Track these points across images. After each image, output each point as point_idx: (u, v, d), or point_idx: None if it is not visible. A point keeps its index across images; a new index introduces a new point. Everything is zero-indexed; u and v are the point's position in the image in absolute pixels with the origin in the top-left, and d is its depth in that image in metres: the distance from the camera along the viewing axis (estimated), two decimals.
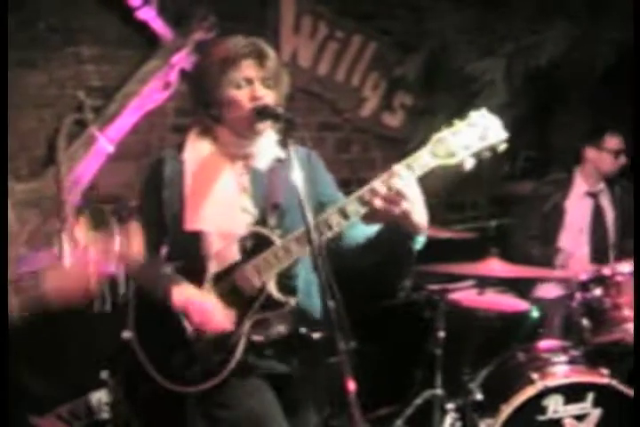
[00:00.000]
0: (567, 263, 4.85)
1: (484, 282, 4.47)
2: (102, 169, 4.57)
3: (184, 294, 2.73)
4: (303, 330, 2.77)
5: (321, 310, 2.53)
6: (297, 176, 2.48)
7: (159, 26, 4.63)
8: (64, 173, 4.42)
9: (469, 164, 2.58)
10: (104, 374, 4.05)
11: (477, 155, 2.58)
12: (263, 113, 2.69)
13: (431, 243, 4.54)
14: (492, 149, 2.59)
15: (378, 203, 2.53)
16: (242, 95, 2.71)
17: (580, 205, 5.06)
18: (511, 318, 4.52)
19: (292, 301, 2.72)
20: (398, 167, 2.56)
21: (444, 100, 5.47)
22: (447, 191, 5.76)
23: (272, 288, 2.71)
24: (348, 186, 5.84)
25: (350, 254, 2.83)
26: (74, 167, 4.46)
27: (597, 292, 4.19)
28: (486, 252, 4.26)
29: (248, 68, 2.72)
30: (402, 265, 4.25)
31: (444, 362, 4.34)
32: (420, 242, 2.68)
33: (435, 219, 5.26)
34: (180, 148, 2.87)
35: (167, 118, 4.82)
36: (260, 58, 2.73)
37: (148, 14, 4.58)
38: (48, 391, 4.16)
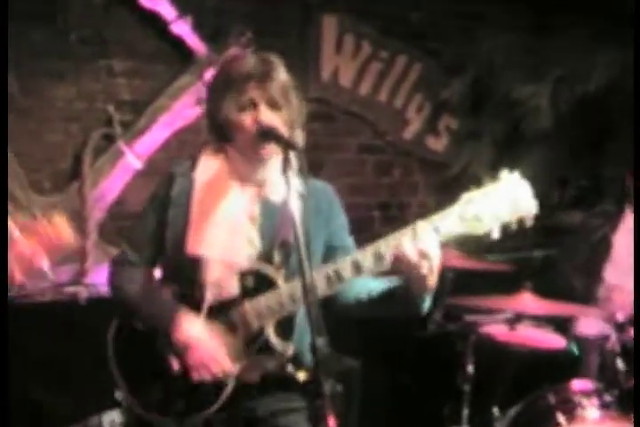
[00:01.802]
0: (610, 297, 4.63)
1: (519, 315, 4.28)
2: (129, 185, 4.48)
3: (192, 331, 2.58)
4: (290, 370, 2.61)
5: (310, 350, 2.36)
6: (303, 212, 2.34)
7: (193, 41, 4.55)
8: (88, 188, 4.35)
9: (494, 235, 2.40)
10: (118, 394, 3.96)
11: (504, 227, 2.40)
12: (266, 135, 2.54)
13: (465, 274, 4.46)
14: (521, 222, 2.41)
15: (398, 262, 2.38)
16: (246, 118, 2.58)
17: (629, 241, 4.83)
18: (545, 355, 4.30)
19: (290, 348, 2.58)
20: (423, 226, 2.39)
21: (489, 124, 5.31)
22: None
23: (270, 333, 2.56)
24: (387, 210, 5.79)
25: (352, 307, 2.69)
26: (99, 182, 4.38)
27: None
28: (520, 285, 4.08)
29: (252, 90, 2.58)
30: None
31: (472, 398, 4.16)
32: (425, 305, 2.53)
33: (478, 247, 5.13)
34: (192, 164, 2.73)
35: (199, 136, 4.71)
36: (266, 80, 2.59)
37: (183, 29, 4.50)
38: (60, 410, 4.08)
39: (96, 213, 4.35)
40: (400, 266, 2.39)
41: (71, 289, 4.25)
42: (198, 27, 4.56)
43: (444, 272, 4.40)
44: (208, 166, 2.70)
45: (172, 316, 2.60)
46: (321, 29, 5.11)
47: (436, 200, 5.65)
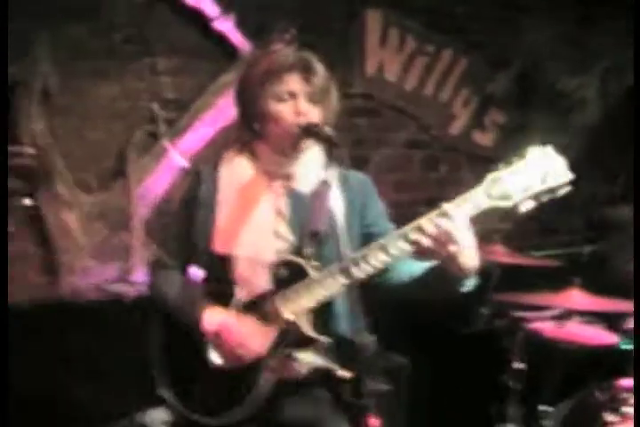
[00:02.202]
0: None
1: (568, 312, 4.21)
2: (174, 182, 4.47)
3: (217, 318, 2.59)
4: (330, 367, 2.57)
5: (352, 347, 2.34)
6: (336, 202, 2.32)
7: (237, 38, 4.54)
8: (133, 186, 4.36)
9: (526, 207, 2.41)
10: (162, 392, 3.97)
11: (536, 198, 2.41)
12: (308, 131, 2.53)
13: (512, 271, 4.40)
14: (553, 192, 2.41)
15: (424, 243, 2.39)
16: (285, 109, 2.57)
17: None
18: (595, 351, 4.22)
19: (324, 338, 2.54)
20: (448, 206, 2.42)
21: (536, 117, 5.24)
22: (541, 214, 5.51)
23: (303, 324, 2.53)
24: (434, 205, 5.69)
25: (395, 289, 2.67)
26: (144, 180, 4.39)
27: None
28: (569, 281, 4.02)
29: (292, 82, 2.58)
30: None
31: (519, 396, 4.11)
32: (468, 285, 2.51)
33: (526, 243, 5.07)
34: (217, 164, 2.74)
35: None
36: (307, 72, 2.59)
37: (226, 26, 4.49)
38: (105, 407, 4.10)
39: (141, 211, 4.36)
40: (427, 248, 2.39)
41: (116, 287, 4.27)
42: (242, 23, 4.55)
43: (491, 269, 4.40)
44: (234, 164, 2.71)
45: (199, 310, 2.61)
46: (365, 24, 5.07)
47: None
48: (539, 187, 2.40)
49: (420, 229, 2.40)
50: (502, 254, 4.43)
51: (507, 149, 5.55)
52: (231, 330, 2.55)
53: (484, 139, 5.65)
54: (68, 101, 4.21)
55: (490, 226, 5.02)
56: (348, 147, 4.89)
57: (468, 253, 2.39)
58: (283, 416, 2.60)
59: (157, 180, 4.40)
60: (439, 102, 5.46)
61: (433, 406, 4.44)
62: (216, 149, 4.55)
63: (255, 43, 4.59)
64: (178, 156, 4.43)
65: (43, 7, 4.04)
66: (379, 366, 2.29)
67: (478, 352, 4.48)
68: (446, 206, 2.42)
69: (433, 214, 2.42)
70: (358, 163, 5.19)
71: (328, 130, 2.50)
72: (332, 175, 2.50)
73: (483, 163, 5.64)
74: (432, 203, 5.48)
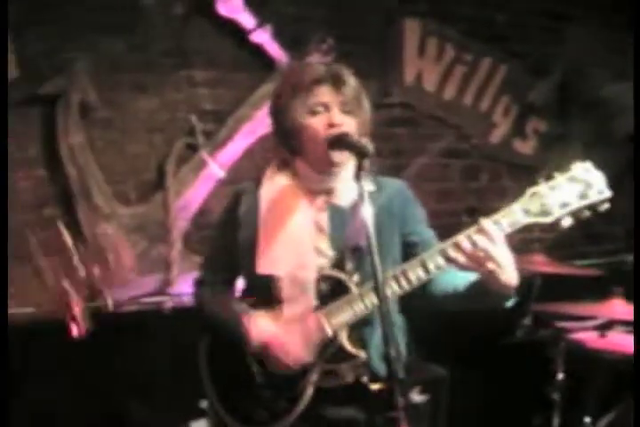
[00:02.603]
0: None
1: (610, 322, 4.16)
2: (213, 194, 4.48)
3: (265, 329, 2.59)
4: (365, 380, 2.56)
5: (383, 361, 2.32)
6: (368, 215, 2.29)
7: (274, 49, 4.54)
8: (172, 198, 4.38)
9: (566, 223, 2.37)
10: (204, 404, 3.97)
11: (574, 214, 2.37)
12: (339, 141, 2.49)
13: (554, 280, 4.35)
14: (592, 208, 2.37)
15: (461, 260, 2.37)
16: (318, 122, 2.53)
17: None
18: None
19: (363, 354, 2.53)
20: (485, 223, 2.37)
21: (578, 125, 5.17)
22: (583, 223, 5.44)
23: (344, 339, 2.52)
24: (474, 215, 5.66)
25: (437, 302, 2.64)
26: (183, 192, 4.41)
27: None
28: (611, 291, 3.96)
29: (324, 94, 2.54)
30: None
31: (562, 407, 4.05)
32: (509, 302, 2.48)
33: (568, 252, 4.99)
34: (257, 182, 2.71)
35: None
36: (338, 83, 2.55)
37: (262, 37, 4.50)
38: (146, 419, 4.11)
39: (180, 223, 4.38)
40: (467, 266, 2.38)
41: (156, 299, 4.29)
42: (278, 34, 4.56)
43: (532, 279, 4.35)
44: (274, 183, 2.67)
45: (246, 322, 2.60)
46: (403, 33, 5.06)
47: None
48: (578, 203, 2.36)
49: (458, 246, 2.37)
50: (543, 264, 4.38)
51: (548, 157, 5.52)
52: (279, 339, 2.55)
53: (525, 147, 5.59)
54: (107, 115, 4.25)
55: (531, 235, 4.99)
56: (386, 157, 4.96)
57: (507, 270, 2.36)
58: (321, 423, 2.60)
59: (196, 192, 4.42)
60: (479, 111, 5.42)
61: (474, 418, 4.40)
62: (254, 160, 4.57)
63: (292, 54, 4.60)
64: (216, 167, 4.43)
65: (80, 22, 4.08)
66: (411, 380, 2.22)
67: (520, 363, 4.43)
68: (483, 222, 2.37)
69: (470, 231, 2.38)
70: (398, 172, 5.18)
71: (359, 139, 2.47)
72: (367, 186, 2.45)
73: (523, 172, 5.60)
74: (473, 212, 5.47)
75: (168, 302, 4.26)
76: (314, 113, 2.54)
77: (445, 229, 5.31)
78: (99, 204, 4.20)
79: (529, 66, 5.47)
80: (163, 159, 4.40)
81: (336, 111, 2.53)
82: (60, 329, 4.01)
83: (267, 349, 2.57)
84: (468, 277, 2.52)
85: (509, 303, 2.48)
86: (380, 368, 2.52)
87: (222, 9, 4.40)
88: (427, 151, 5.25)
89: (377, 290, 2.22)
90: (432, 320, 3.27)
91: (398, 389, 2.12)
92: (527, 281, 4.43)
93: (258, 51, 4.55)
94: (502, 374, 4.48)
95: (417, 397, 4.14)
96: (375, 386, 2.51)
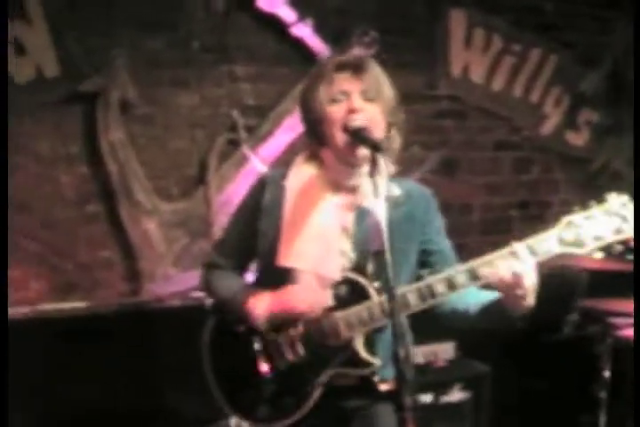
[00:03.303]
0: None
1: None
2: None
3: (264, 300, 2.55)
4: (375, 379, 2.51)
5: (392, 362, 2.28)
6: (383, 217, 2.25)
7: (315, 42, 4.52)
8: (214, 194, 4.39)
9: (597, 256, 2.35)
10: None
11: (606, 249, 2.34)
12: (356, 135, 2.44)
13: (602, 276, 4.24)
14: (625, 244, 2.33)
15: (490, 281, 2.36)
16: (339, 110, 2.48)
17: None
18: None
19: (378, 361, 2.48)
20: (520, 248, 2.34)
21: (629, 116, 5.05)
22: None
23: (359, 345, 2.48)
24: (526, 209, 5.59)
25: (451, 318, 2.61)
26: (224, 187, 4.42)
27: None
28: None
29: (344, 81, 2.50)
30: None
31: (608, 405, 3.97)
32: (520, 324, 2.44)
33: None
34: (285, 172, 2.67)
35: None
36: (358, 71, 2.51)
37: (304, 31, 4.48)
38: (189, 413, 4.12)
39: (222, 218, 4.37)
40: (493, 287, 2.36)
41: (197, 294, 4.29)
42: (320, 28, 4.54)
43: (578, 275, 4.26)
44: (301, 174, 2.63)
45: (248, 299, 2.57)
46: (449, 24, 5.00)
47: (580, 197, 5.42)
48: (612, 238, 2.33)
49: (489, 268, 2.35)
50: (589, 260, 4.27)
51: (600, 149, 5.41)
52: (284, 294, 2.52)
53: (577, 139, 5.49)
54: (149, 111, 4.27)
55: None
56: (435, 149, 4.90)
57: (532, 297, 2.34)
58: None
59: (238, 187, 4.41)
60: (529, 102, 5.34)
61: (518, 416, 4.33)
62: (296, 154, 4.54)
63: (334, 47, 4.56)
64: (258, 162, 4.42)
65: (120, 19, 4.11)
66: (418, 381, 2.19)
67: (566, 360, 4.36)
68: (517, 247, 2.34)
69: (503, 252, 2.35)
70: (447, 166, 5.12)
71: (375, 135, 2.43)
72: (394, 190, 2.48)
73: (576, 163, 5.50)
74: (524, 206, 5.38)
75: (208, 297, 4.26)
76: (335, 101, 2.50)
77: (496, 223, 5.24)
78: (140, 200, 4.23)
79: (579, 55, 5.37)
80: (204, 155, 4.41)
81: (356, 97, 2.49)
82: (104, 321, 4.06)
83: (274, 308, 2.53)
84: (482, 298, 2.50)
85: (521, 325, 2.44)
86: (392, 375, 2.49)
87: (262, 3, 4.39)
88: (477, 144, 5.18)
89: (388, 290, 2.18)
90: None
91: (406, 390, 2.08)
92: (574, 278, 4.36)
93: (299, 45, 4.53)
94: (548, 372, 4.40)
95: (458, 394, 4.10)
96: (384, 386, 2.47)
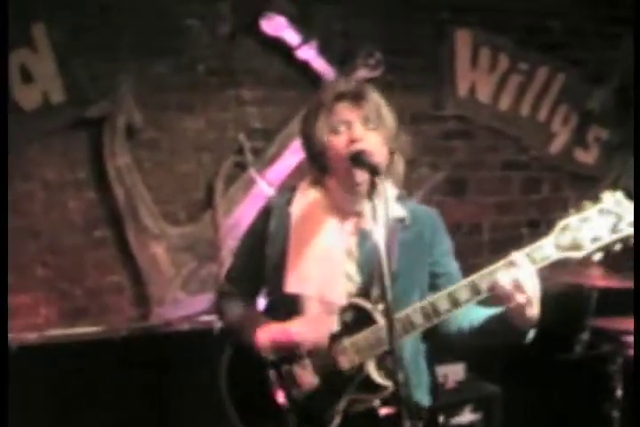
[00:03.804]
0: None
1: None
2: None
3: (270, 329, 2.55)
4: (376, 404, 2.50)
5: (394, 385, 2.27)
6: (381, 241, 2.24)
7: (320, 65, 4.53)
8: (222, 217, 4.39)
9: (596, 258, 2.32)
10: None
11: (605, 249, 2.31)
12: (355, 159, 2.44)
13: (612, 294, 4.22)
14: (624, 242, 2.30)
15: (492, 293, 2.34)
16: (340, 141, 2.49)
17: None
18: None
19: (392, 384, 2.44)
20: (518, 257, 2.32)
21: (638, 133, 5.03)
22: None
23: (371, 369, 2.47)
24: (536, 227, 5.57)
25: (451, 338, 2.60)
26: (232, 210, 4.42)
27: None
28: None
29: (344, 111, 2.51)
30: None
31: (622, 425, 3.94)
32: (529, 336, 2.42)
33: (625, 265, 4.83)
34: (289, 198, 2.67)
35: None
36: (357, 99, 2.52)
37: (309, 54, 4.49)
38: None
39: (230, 242, 4.37)
40: (496, 298, 2.34)
41: (206, 318, 4.29)
42: (325, 50, 4.54)
43: (588, 293, 4.23)
44: (305, 199, 2.64)
45: (257, 327, 2.58)
46: (454, 45, 4.99)
47: None
48: (609, 238, 2.30)
49: (489, 280, 2.34)
50: (599, 278, 4.26)
51: (610, 166, 5.38)
52: (290, 326, 2.52)
53: (587, 157, 5.46)
54: (155, 135, 4.29)
55: None
56: (444, 169, 4.89)
57: (534, 304, 2.32)
58: None
59: (245, 210, 4.41)
60: (537, 121, 5.31)
61: None
62: (303, 177, 4.54)
63: (340, 69, 4.57)
64: (265, 185, 4.43)
65: (125, 45, 4.13)
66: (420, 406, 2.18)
67: (577, 379, 4.32)
68: (516, 256, 2.32)
69: (502, 263, 2.34)
70: (456, 186, 5.11)
71: (374, 159, 2.43)
72: (398, 211, 2.50)
73: (586, 181, 5.47)
74: (534, 224, 5.35)
75: (217, 322, 4.26)
76: (336, 132, 2.51)
77: (506, 242, 5.21)
78: (148, 224, 4.24)
79: (586, 73, 5.36)
80: (211, 178, 4.42)
81: (358, 126, 2.50)
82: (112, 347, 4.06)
83: (279, 339, 2.52)
84: (483, 313, 2.50)
85: (528, 339, 2.43)
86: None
87: (267, 27, 4.40)
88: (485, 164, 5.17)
89: (386, 311, 2.17)
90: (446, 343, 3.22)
91: (406, 413, 2.07)
92: (584, 296, 4.33)
93: (305, 67, 4.54)
94: (560, 391, 4.37)
95: (469, 415, 4.07)
96: (384, 411, 2.46)
